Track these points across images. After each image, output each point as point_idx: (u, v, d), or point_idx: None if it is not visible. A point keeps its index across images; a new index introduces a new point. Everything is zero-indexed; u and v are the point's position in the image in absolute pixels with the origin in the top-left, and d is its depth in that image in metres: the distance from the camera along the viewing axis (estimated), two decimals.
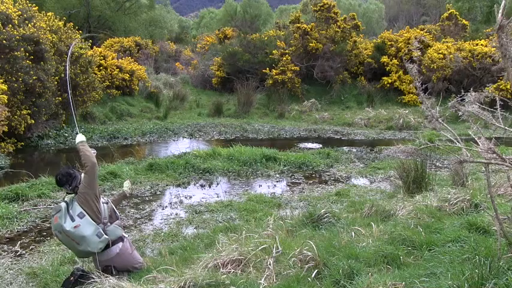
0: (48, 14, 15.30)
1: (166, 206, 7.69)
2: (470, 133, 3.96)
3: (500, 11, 3.17)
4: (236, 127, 17.01)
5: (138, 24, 32.79)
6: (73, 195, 4.35)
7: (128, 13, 32.48)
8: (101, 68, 18.29)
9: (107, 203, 4.54)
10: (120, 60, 20.36)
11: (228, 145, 12.00)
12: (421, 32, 23.87)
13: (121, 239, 4.53)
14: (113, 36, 27.58)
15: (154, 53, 28.51)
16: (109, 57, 19.56)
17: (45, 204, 7.57)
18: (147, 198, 8.11)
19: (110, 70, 18.76)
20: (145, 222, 6.91)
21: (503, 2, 3.20)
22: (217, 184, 9.19)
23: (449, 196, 5.61)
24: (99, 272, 4.14)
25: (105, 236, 4.31)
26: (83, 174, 4.41)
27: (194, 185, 9.13)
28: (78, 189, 4.34)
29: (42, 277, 4.78)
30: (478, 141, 3.53)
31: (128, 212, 7.34)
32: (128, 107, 18.91)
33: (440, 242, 4.15)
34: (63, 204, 4.27)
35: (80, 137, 4.53)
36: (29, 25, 12.74)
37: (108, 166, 9.68)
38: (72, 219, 4.19)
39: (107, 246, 4.37)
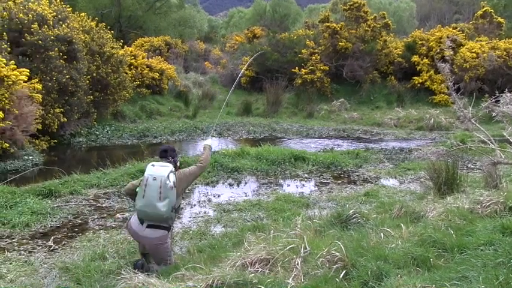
0: (81, 14, 15.62)
1: (194, 205, 7.75)
2: (504, 134, 3.87)
3: None
4: (265, 126, 17.02)
5: (168, 23, 33.13)
6: (173, 168, 4.69)
7: (158, 13, 32.84)
8: (132, 67, 18.55)
9: (181, 200, 5.04)
10: (150, 59, 20.62)
11: (256, 144, 12.01)
12: (454, 30, 23.41)
13: (170, 229, 4.80)
14: (143, 36, 27.92)
15: (184, 52, 28.76)
16: (139, 56, 19.82)
17: (76, 201, 7.72)
18: None
19: (140, 69, 19.01)
20: (174, 220, 6.97)
21: None
22: (246, 183, 9.22)
23: (482, 198, 5.48)
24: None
25: (173, 213, 4.66)
26: (194, 166, 5.02)
27: (223, 183, 9.17)
28: (179, 170, 4.85)
29: (74, 272, 4.89)
30: None
31: None
32: (158, 105, 19.12)
33: (472, 245, 4.06)
34: (170, 164, 4.69)
35: (211, 142, 5.30)
36: (63, 25, 13.02)
37: (138, 164, 9.80)
38: (169, 181, 4.55)
39: (157, 226, 4.62)
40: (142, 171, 9.07)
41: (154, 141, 14.23)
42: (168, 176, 4.52)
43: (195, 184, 8.95)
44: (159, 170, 4.57)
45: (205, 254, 5.06)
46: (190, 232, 6.36)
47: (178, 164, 4.94)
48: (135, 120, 17.04)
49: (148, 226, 4.61)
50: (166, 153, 4.86)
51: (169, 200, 4.51)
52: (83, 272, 4.81)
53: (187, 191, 8.08)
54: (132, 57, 19.15)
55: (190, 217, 7.11)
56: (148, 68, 19.39)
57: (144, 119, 17.49)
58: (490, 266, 3.46)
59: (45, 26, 12.44)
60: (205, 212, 7.32)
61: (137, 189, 4.71)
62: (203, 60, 31.11)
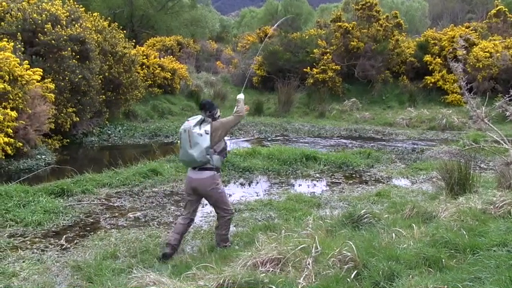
0: (93, 14, 15.72)
1: (206, 204, 7.71)
2: None
3: None
4: (276, 126, 17.00)
5: (179, 23, 33.19)
6: (209, 119, 5.31)
7: (170, 12, 32.91)
8: (144, 66, 18.63)
9: (225, 142, 5.51)
10: (162, 59, 20.69)
11: (268, 144, 12.00)
12: (467, 30, 23.20)
13: (217, 170, 5.36)
14: (155, 36, 28.01)
15: (196, 52, 28.79)
16: (151, 56, 19.90)
17: (88, 200, 7.78)
18: None
19: (152, 69, 19.09)
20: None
21: None
22: (257, 183, 9.22)
23: (495, 199, 5.43)
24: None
25: (210, 156, 5.19)
26: (231, 116, 5.57)
27: (234, 183, 9.19)
28: (217, 119, 5.38)
29: (86, 271, 4.91)
30: None
31: (169, 209, 7.45)
32: (169, 105, 19.19)
33: (485, 245, 4.02)
34: (201, 116, 5.33)
35: (242, 96, 5.76)
36: (76, 25, 13.12)
37: (150, 163, 9.85)
38: (199, 129, 5.18)
39: (202, 169, 5.24)
40: (154, 171, 9.24)
41: (166, 141, 14.29)
42: (195, 126, 5.17)
43: None
44: (188, 123, 5.25)
45: (217, 253, 5.07)
46: (202, 231, 6.38)
47: (217, 115, 5.44)
48: (147, 119, 17.12)
49: (199, 169, 5.25)
50: (204, 107, 5.44)
51: (199, 146, 5.11)
52: (94, 271, 4.83)
53: None
54: (144, 56, 19.24)
55: (201, 216, 7.12)
56: (160, 68, 19.46)
57: (156, 118, 17.57)
58: (504, 267, 3.43)
59: (59, 26, 12.54)
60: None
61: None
62: (215, 59, 31.13)
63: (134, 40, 18.75)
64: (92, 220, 6.92)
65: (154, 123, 16.42)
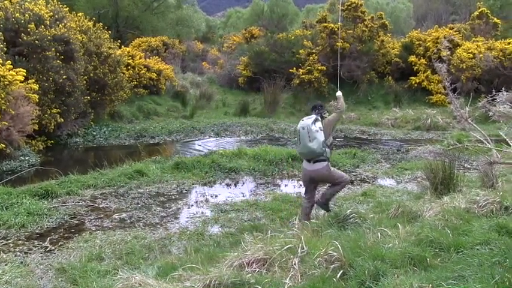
0: (78, 14, 15.58)
1: (192, 205, 7.74)
2: (501, 134, 3.87)
3: None
4: (262, 126, 17.00)
5: (165, 23, 33.02)
6: (318, 117, 6.16)
7: (155, 13, 32.73)
8: (129, 67, 18.53)
9: (332, 137, 6.34)
10: (147, 59, 20.60)
11: (254, 144, 12.00)
12: (450, 31, 23.44)
13: (328, 160, 6.17)
14: (140, 36, 27.85)
15: (181, 53, 28.69)
16: (137, 56, 19.80)
17: (73, 202, 7.71)
18: (173, 197, 8.19)
19: (138, 69, 18.99)
20: (172, 221, 6.97)
21: None
22: (243, 183, 9.22)
23: (478, 198, 5.49)
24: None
25: (324, 148, 6.03)
26: (334, 113, 6.43)
27: (220, 184, 9.17)
28: (326, 118, 6.25)
29: (71, 273, 4.87)
30: (509, 141, 3.46)
31: (155, 210, 7.42)
32: (155, 106, 19.11)
33: (469, 244, 4.07)
34: (314, 115, 6.16)
35: (340, 93, 6.53)
36: (60, 25, 12.99)
37: (135, 164, 9.79)
38: (315, 126, 6.03)
39: (317, 161, 6.06)
40: (140, 172, 9.19)
41: (151, 142, 14.22)
42: (311, 123, 6.01)
43: (193, 184, 8.96)
44: (305, 122, 6.10)
45: (203, 254, 5.05)
46: (188, 232, 6.36)
47: (325, 115, 6.31)
48: (133, 120, 17.02)
49: (314, 162, 6.08)
50: (316, 108, 6.32)
51: (317, 140, 5.95)
52: (79, 273, 4.79)
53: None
54: (130, 57, 19.14)
55: (187, 217, 7.10)
56: (145, 68, 19.37)
57: (142, 119, 17.47)
58: (486, 265, 3.47)
59: (42, 26, 12.41)
60: (202, 213, 7.32)
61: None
62: (201, 60, 31.05)
63: (119, 41, 18.62)
64: (76, 222, 6.86)
65: (139, 124, 16.33)
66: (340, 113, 6.56)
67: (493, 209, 5.15)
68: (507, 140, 6.58)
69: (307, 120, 6.13)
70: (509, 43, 20.58)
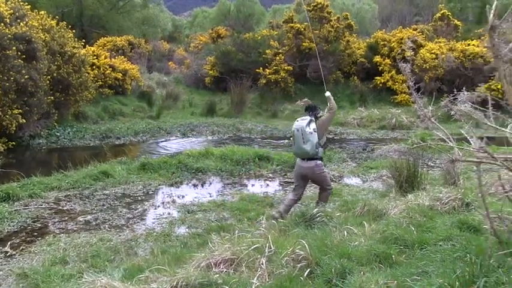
0: (40, 12, 15.20)
1: (158, 206, 7.67)
2: (462, 132, 3.97)
3: (492, 11, 3.18)
4: (229, 126, 16.98)
5: (131, 23, 32.58)
6: (312, 118, 6.42)
7: (121, 12, 32.28)
8: (94, 67, 18.21)
9: (325, 136, 6.65)
10: (113, 59, 20.30)
11: (220, 145, 11.97)
12: (414, 32, 23.94)
13: (321, 159, 6.48)
14: (106, 35, 27.40)
15: (148, 52, 28.35)
16: (102, 56, 19.49)
17: (36, 204, 7.53)
18: (139, 198, 8.09)
19: (103, 69, 18.69)
20: (138, 222, 6.89)
21: (494, 2, 3.20)
22: (210, 183, 9.19)
23: (441, 195, 5.62)
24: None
25: (317, 149, 6.32)
26: (327, 114, 6.68)
27: (187, 184, 9.12)
28: (319, 119, 6.51)
29: (33, 278, 4.74)
30: (470, 140, 3.55)
31: (120, 212, 7.31)
32: (121, 106, 18.85)
33: (432, 240, 4.16)
34: (308, 117, 6.42)
35: (329, 93, 6.81)
36: (21, 24, 12.65)
37: (101, 166, 9.64)
38: (310, 128, 6.29)
39: (311, 158, 6.36)
40: (105, 173, 9.04)
41: (117, 142, 14.01)
42: (306, 125, 6.28)
43: (159, 185, 8.87)
44: (299, 123, 6.36)
45: (170, 255, 5.00)
46: (154, 234, 6.29)
47: (319, 115, 6.57)
48: (98, 121, 16.74)
49: (307, 160, 6.38)
50: (308, 110, 6.57)
51: (310, 142, 6.25)
52: (42, 278, 4.68)
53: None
54: (95, 57, 18.81)
55: (154, 218, 7.03)
56: (111, 68, 19.09)
57: (107, 119, 17.20)
58: (449, 260, 3.55)
59: (2, 24, 12.06)
60: (169, 213, 7.26)
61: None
62: (167, 60, 30.78)
63: (84, 40, 18.27)
64: (39, 225, 6.70)
65: (105, 125, 16.07)
66: (333, 113, 6.76)
67: (455, 206, 5.28)
68: (468, 138, 6.75)
69: (302, 122, 6.36)
70: (469, 44, 21.16)
